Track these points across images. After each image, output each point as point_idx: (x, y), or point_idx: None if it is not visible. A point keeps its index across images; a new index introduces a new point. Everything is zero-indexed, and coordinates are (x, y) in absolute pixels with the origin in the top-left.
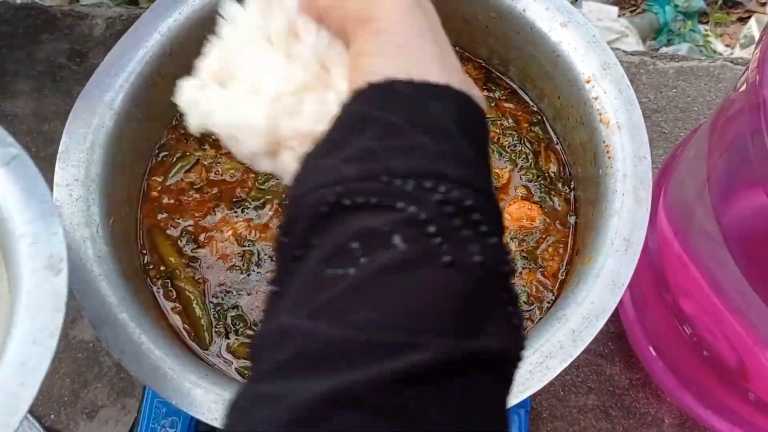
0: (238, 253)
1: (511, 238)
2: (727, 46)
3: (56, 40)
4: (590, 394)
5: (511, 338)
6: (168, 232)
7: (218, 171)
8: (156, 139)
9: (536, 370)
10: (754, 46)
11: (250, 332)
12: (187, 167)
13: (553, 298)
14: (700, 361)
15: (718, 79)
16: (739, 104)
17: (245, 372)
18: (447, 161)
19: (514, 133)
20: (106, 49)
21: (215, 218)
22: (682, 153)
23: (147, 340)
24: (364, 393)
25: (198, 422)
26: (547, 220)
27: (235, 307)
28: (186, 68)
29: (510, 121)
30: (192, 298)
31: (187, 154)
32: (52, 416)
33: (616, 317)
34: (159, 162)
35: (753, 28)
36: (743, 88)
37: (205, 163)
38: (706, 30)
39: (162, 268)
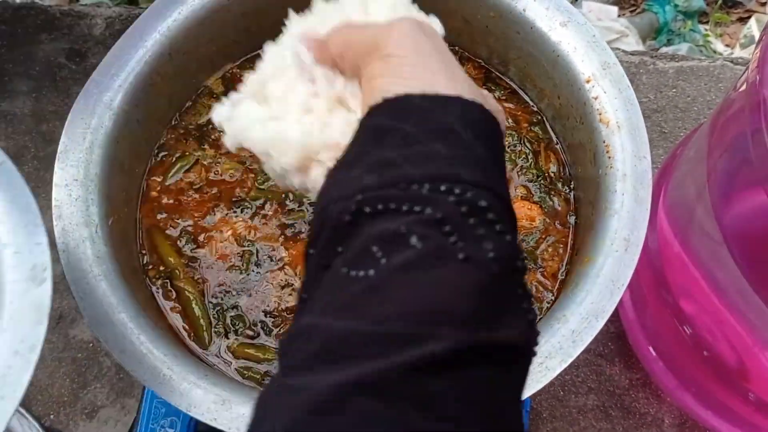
0: (238, 253)
1: None
2: (727, 46)
3: (55, 39)
4: (590, 394)
5: (527, 332)
6: (167, 232)
7: (218, 171)
8: (155, 139)
9: (536, 370)
10: (754, 46)
11: (249, 332)
12: (187, 167)
13: (553, 298)
14: (700, 361)
15: (718, 79)
16: (739, 104)
17: (245, 372)
18: (461, 165)
19: (514, 133)
20: (106, 49)
21: (215, 218)
22: (682, 153)
23: (146, 340)
24: (385, 380)
25: (197, 422)
26: (547, 220)
27: (235, 307)
28: (186, 68)
29: (510, 121)
30: (191, 298)
31: (187, 154)
32: (52, 416)
33: (616, 317)
34: (158, 162)
35: (753, 28)
36: (743, 87)
37: (205, 163)
38: (706, 30)
39: (161, 268)
